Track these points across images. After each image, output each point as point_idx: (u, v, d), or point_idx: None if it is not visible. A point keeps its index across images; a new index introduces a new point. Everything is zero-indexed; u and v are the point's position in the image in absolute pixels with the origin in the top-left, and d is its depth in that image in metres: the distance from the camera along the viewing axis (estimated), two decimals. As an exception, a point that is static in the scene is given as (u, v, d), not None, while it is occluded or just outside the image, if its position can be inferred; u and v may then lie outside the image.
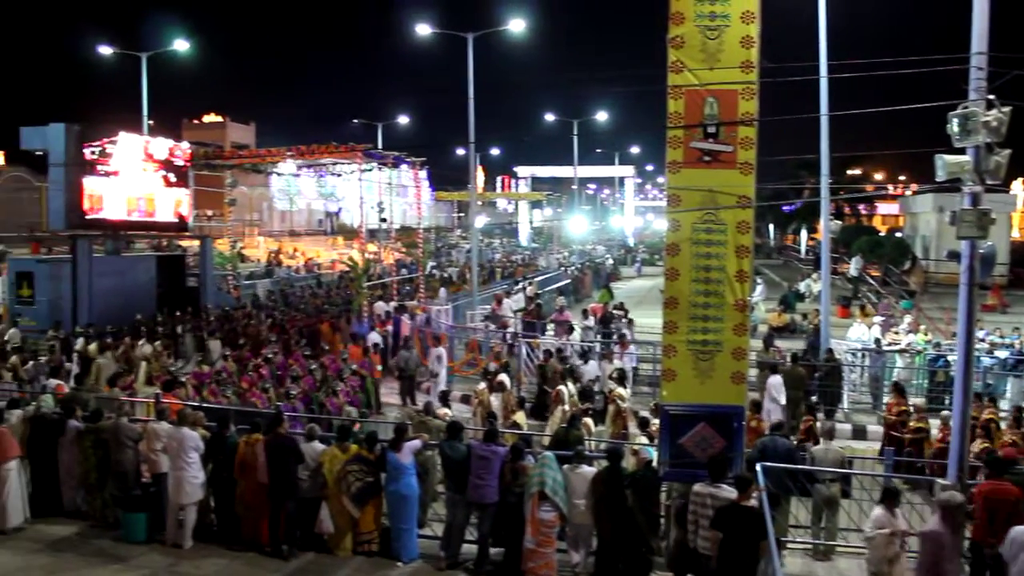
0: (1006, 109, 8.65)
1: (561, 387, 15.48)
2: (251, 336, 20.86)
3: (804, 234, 64.15)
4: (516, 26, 30.11)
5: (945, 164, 8.90)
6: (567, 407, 14.60)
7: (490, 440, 10.84)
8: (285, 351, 19.41)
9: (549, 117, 66.92)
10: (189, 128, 78.19)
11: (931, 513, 9.55)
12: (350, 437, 11.30)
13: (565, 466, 10.41)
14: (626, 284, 48.81)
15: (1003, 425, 13.92)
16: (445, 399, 15.35)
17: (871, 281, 37.75)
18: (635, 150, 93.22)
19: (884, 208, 71.52)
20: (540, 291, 33.49)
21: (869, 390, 19.63)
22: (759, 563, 8.57)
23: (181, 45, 37.33)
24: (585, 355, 19.46)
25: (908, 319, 24.37)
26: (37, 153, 26.35)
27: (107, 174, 23.74)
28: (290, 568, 10.79)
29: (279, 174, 38.76)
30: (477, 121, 28.19)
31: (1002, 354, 19.58)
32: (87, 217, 23.30)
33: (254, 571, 10.71)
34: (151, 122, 36.02)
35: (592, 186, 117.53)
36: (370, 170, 30.19)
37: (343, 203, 79.62)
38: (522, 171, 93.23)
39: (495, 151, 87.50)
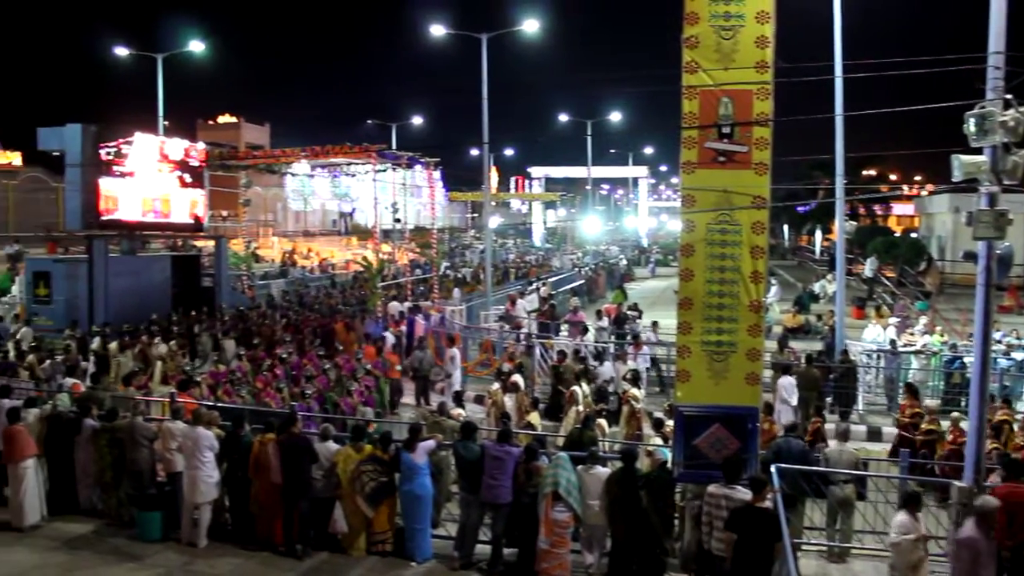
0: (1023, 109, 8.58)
1: (575, 387, 15.46)
2: (265, 336, 20.93)
3: (819, 235, 63.94)
4: (530, 27, 30.10)
5: (962, 164, 8.84)
6: (581, 407, 14.59)
7: (504, 441, 10.84)
8: (299, 351, 19.46)
9: (563, 118, 67.00)
10: (204, 129, 78.46)
11: (947, 517, 9.48)
12: (364, 437, 11.33)
13: (579, 467, 10.41)
14: (640, 285, 48.72)
15: (1015, 427, 13.83)
16: (459, 399, 15.36)
17: (886, 282, 37.58)
18: (649, 151, 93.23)
19: (899, 209, 71.12)
20: (554, 292, 33.48)
21: (884, 391, 19.53)
22: (774, 565, 8.54)
23: (196, 46, 37.55)
24: (600, 356, 19.41)
25: (924, 320, 24.24)
26: (54, 154, 26.47)
27: (123, 175, 23.86)
28: (304, 567, 10.82)
29: (293, 174, 38.90)
30: (491, 122, 28.20)
31: (1019, 356, 19.42)
32: (103, 218, 23.41)
33: (268, 570, 10.75)
34: (166, 123, 36.18)
35: (606, 187, 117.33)
36: (384, 170, 30.28)
37: (357, 203, 79.89)
38: (536, 172, 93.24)
39: (509, 152, 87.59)
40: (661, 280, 50.13)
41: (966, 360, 17.89)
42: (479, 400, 18.06)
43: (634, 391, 15.17)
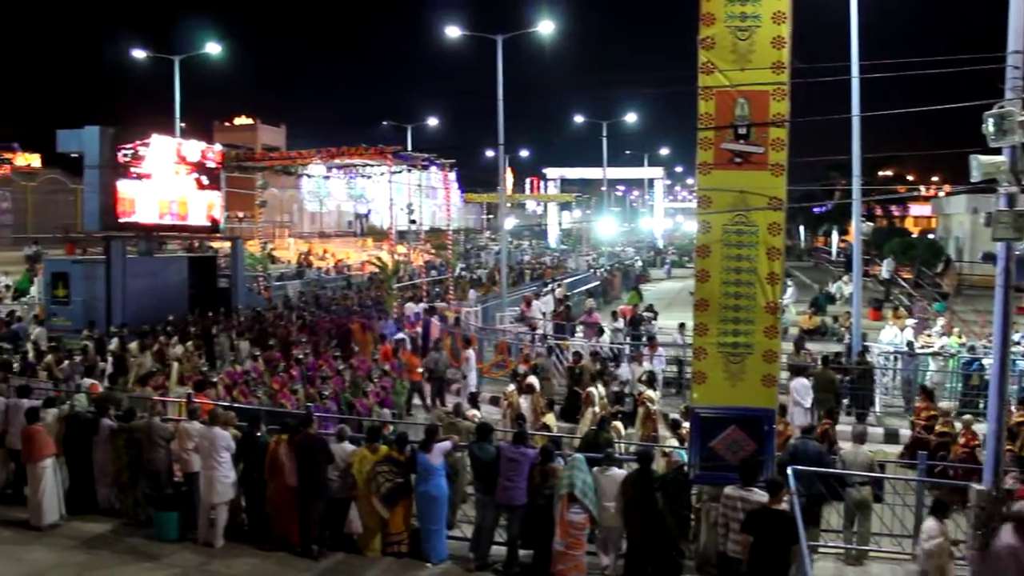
0: (1043, 108, 8.52)
1: (591, 389, 15.44)
2: (281, 337, 20.98)
3: (835, 236, 63.66)
4: (545, 28, 30.10)
5: (980, 165, 8.77)
6: (597, 409, 14.58)
7: (519, 443, 10.84)
8: (315, 352, 19.50)
9: (578, 119, 66.86)
10: (220, 130, 78.87)
11: (965, 521, 9.41)
12: (380, 438, 11.35)
13: (595, 468, 10.40)
14: (655, 286, 48.62)
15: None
16: (474, 401, 15.37)
17: (903, 283, 37.38)
18: (665, 152, 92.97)
19: (916, 209, 70.74)
20: (569, 293, 33.47)
21: (901, 393, 19.41)
22: (790, 567, 8.50)
23: (213, 48, 37.75)
24: (616, 357, 19.37)
25: (941, 322, 24.08)
26: (73, 156, 26.64)
27: (140, 176, 23.96)
28: (320, 568, 10.86)
29: (309, 176, 39.03)
30: (506, 123, 28.22)
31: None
32: (120, 220, 23.54)
33: (284, 570, 10.78)
34: (183, 124, 36.41)
35: (621, 188, 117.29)
36: (400, 172, 30.31)
37: (373, 205, 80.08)
38: (551, 173, 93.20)
39: (524, 153, 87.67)
40: (677, 281, 50.01)
41: (984, 362, 17.76)
42: (495, 401, 18.06)
43: (649, 393, 15.14)
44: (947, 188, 58.27)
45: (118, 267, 23.32)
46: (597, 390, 15.45)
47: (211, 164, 27.12)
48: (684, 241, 78.71)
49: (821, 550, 11.08)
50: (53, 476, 12.04)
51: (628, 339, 23.56)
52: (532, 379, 15.95)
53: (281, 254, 52.72)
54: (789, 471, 9.80)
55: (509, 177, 78.97)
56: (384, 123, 64.67)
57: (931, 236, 53.22)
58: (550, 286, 34.38)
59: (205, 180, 26.74)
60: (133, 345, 19.07)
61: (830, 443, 12.78)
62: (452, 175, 40.01)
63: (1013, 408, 13.97)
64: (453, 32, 31.10)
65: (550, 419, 14.34)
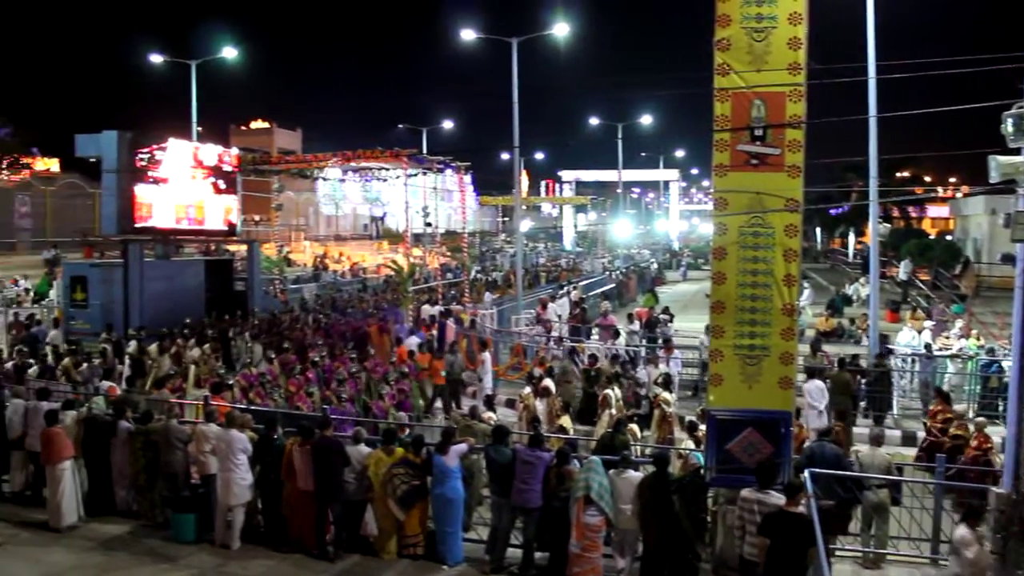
0: (1063, 109, 8.46)
1: (608, 391, 15.42)
2: (296, 340, 21.03)
3: (852, 237, 63.39)
4: (560, 30, 30.11)
5: (999, 165, 8.72)
6: (614, 411, 14.56)
7: (535, 446, 10.84)
8: (331, 355, 19.53)
9: (593, 121, 66.86)
10: (237, 134, 79.20)
11: (985, 525, 9.32)
12: (395, 440, 11.36)
13: (611, 471, 10.37)
14: (671, 288, 48.56)
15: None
16: (490, 403, 15.37)
17: (921, 285, 37.18)
18: (680, 154, 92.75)
19: (934, 211, 70.42)
20: (585, 295, 33.44)
21: (919, 396, 19.30)
22: (807, 571, 8.46)
23: (229, 52, 37.95)
24: (632, 360, 19.34)
25: (959, 323, 23.94)
26: (91, 160, 26.81)
27: (156, 181, 24.07)
28: (336, 570, 10.88)
29: (325, 179, 39.18)
30: (521, 125, 28.25)
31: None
32: (137, 225, 23.66)
33: (301, 572, 10.81)
34: (200, 128, 36.60)
35: (637, 190, 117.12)
36: (415, 175, 30.36)
37: (388, 208, 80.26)
38: (566, 175, 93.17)
39: (539, 155, 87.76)
40: (692, 283, 49.96)
41: (1003, 364, 17.64)
42: (510, 404, 18.06)
43: (665, 395, 15.11)
44: (965, 189, 57.97)
45: (135, 270, 23.43)
46: (613, 392, 15.44)
47: (228, 168, 27.22)
48: (700, 243, 78.62)
49: (838, 553, 11.02)
50: (72, 478, 12.12)
51: (644, 341, 23.53)
52: (548, 382, 15.94)
53: (297, 257, 52.94)
54: (806, 474, 9.75)
55: (524, 180, 79.08)
56: (399, 126, 65.11)
57: (949, 237, 53.00)
58: (566, 288, 34.36)
59: (222, 184, 26.83)
60: (152, 348, 19.18)
61: (841, 447, 12.69)
62: (467, 178, 40.08)
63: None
64: (468, 35, 31.17)
65: (566, 421, 14.33)
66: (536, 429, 12.33)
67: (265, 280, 33.71)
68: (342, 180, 42.40)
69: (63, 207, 50.38)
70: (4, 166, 49.33)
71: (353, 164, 31.28)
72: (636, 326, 25.23)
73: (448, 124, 64.88)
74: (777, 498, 8.97)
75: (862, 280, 36.08)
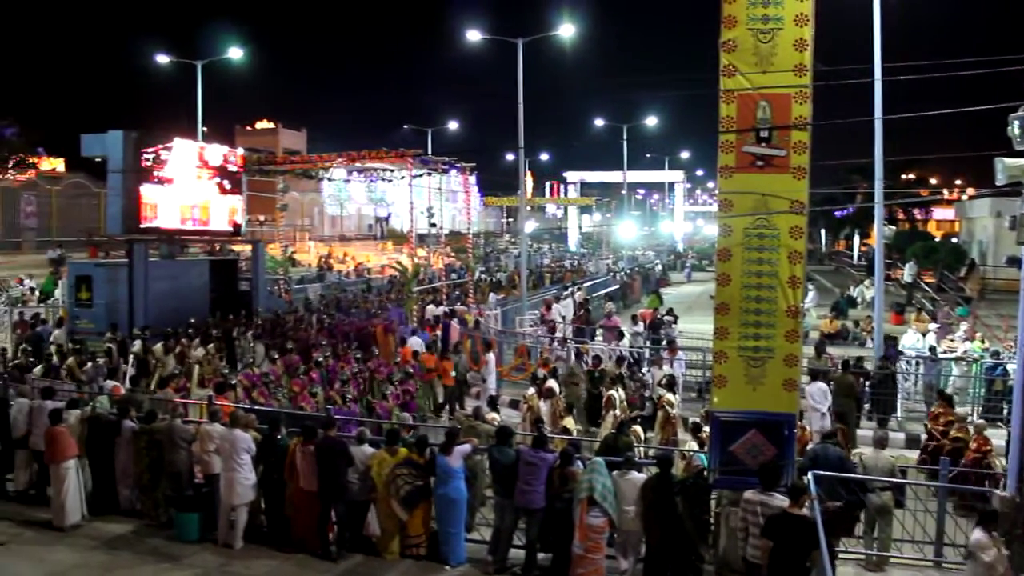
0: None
1: (612, 392, 15.41)
2: (300, 340, 21.04)
3: (857, 239, 63.30)
4: (566, 31, 30.12)
5: (1005, 167, 8.72)
6: (618, 412, 14.55)
7: (539, 446, 10.83)
8: (334, 355, 19.53)
9: (598, 122, 66.93)
10: (242, 134, 79.23)
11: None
12: (398, 441, 11.36)
13: (614, 472, 10.36)
14: (676, 290, 48.53)
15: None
16: (494, 404, 15.37)
17: (926, 287, 37.11)
18: (685, 155, 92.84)
19: (939, 213, 70.20)
20: (589, 296, 33.43)
21: (923, 398, 19.26)
22: (810, 573, 8.45)
23: (235, 53, 38.00)
24: (637, 362, 19.32)
25: (964, 326, 23.88)
26: (96, 160, 26.82)
27: (161, 181, 24.09)
28: (339, 570, 10.87)
29: (330, 179, 39.13)
30: (526, 126, 28.27)
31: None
32: (142, 226, 23.68)
33: (303, 572, 10.81)
34: (205, 128, 36.63)
35: (641, 191, 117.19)
36: (420, 175, 30.38)
37: (393, 208, 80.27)
38: (571, 176, 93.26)
39: (544, 156, 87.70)
40: (697, 285, 49.94)
41: (1008, 367, 17.60)
42: (514, 405, 18.05)
43: (669, 396, 15.10)
44: (971, 191, 57.83)
45: (140, 270, 23.45)
46: (618, 393, 15.43)
47: (233, 168, 27.24)
48: (704, 245, 78.60)
49: (841, 556, 11.00)
50: (75, 477, 12.14)
51: (648, 343, 23.51)
52: (551, 383, 15.93)
53: (302, 257, 52.95)
54: (810, 476, 9.73)
55: (529, 180, 79.04)
56: (404, 127, 65.15)
57: (954, 240, 52.87)
58: (570, 290, 34.38)
59: (227, 184, 26.83)
60: (158, 347, 19.21)
61: (842, 449, 12.67)
62: (472, 178, 40.01)
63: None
64: (474, 36, 31.17)
65: (569, 422, 14.33)
66: (540, 430, 12.31)
67: (269, 280, 33.71)
68: (347, 180, 42.32)
69: (68, 206, 50.42)
70: (10, 165, 49.35)
71: (358, 164, 31.33)
72: (640, 327, 25.22)
73: (453, 125, 65.05)
74: (780, 500, 8.95)
75: (867, 282, 36.02)
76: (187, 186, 25.14)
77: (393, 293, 33.10)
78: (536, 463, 10.56)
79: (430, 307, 27.27)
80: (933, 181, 68.27)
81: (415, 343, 20.47)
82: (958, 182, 76.89)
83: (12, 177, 49.56)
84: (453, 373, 19.06)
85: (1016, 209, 8.89)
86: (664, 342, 22.52)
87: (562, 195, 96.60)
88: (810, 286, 32.86)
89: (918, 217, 59.22)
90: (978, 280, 38.59)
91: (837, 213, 60.22)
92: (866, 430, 16.32)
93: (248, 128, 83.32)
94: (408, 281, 28.31)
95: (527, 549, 10.77)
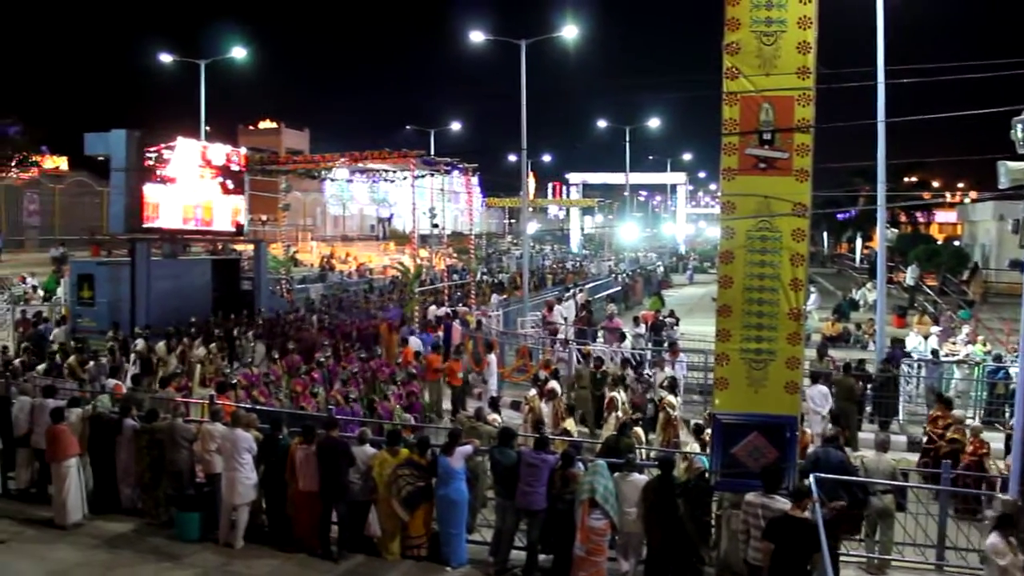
0: (1072, 115, 8.44)
1: (614, 394, 15.41)
2: (302, 341, 21.05)
3: (859, 242, 63.22)
4: (569, 33, 30.10)
5: (1008, 171, 8.71)
6: (620, 414, 14.54)
7: (540, 448, 10.83)
8: (336, 355, 19.54)
9: (601, 123, 66.89)
10: (244, 134, 79.21)
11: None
12: (400, 441, 11.36)
13: (616, 474, 10.36)
14: (677, 291, 48.50)
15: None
16: (495, 405, 15.36)
17: (928, 290, 37.09)
18: (687, 157, 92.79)
19: (942, 216, 70.07)
20: (591, 298, 33.41)
21: (925, 401, 19.23)
22: (812, 576, 8.44)
23: (238, 52, 38.04)
24: (639, 363, 19.31)
25: (966, 329, 23.86)
26: (99, 159, 26.86)
27: (164, 180, 24.10)
28: (340, 570, 10.89)
29: (332, 179, 39.22)
30: (529, 127, 28.24)
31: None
32: (144, 225, 23.70)
33: (304, 572, 10.82)
34: (208, 128, 36.66)
35: (644, 193, 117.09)
36: (423, 176, 30.38)
37: (395, 209, 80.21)
38: (573, 177, 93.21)
39: (547, 157, 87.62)
40: (699, 287, 49.93)
41: (1010, 371, 17.58)
42: (515, 406, 18.04)
43: (670, 398, 15.09)
44: (973, 194, 57.73)
45: (142, 269, 23.47)
46: (620, 395, 15.42)
47: (235, 167, 27.25)
48: (706, 247, 78.50)
49: (843, 559, 10.98)
50: (77, 476, 12.16)
51: (650, 345, 23.51)
52: (553, 384, 15.93)
53: (304, 257, 52.92)
54: (811, 478, 9.73)
55: (531, 182, 79.02)
56: (407, 127, 65.13)
57: (957, 243, 52.81)
58: (572, 291, 34.35)
59: (230, 184, 26.84)
60: (160, 346, 19.22)
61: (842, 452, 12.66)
62: (474, 179, 40.01)
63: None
64: (477, 36, 31.15)
65: (570, 424, 14.32)
66: (541, 431, 12.31)
67: (272, 280, 33.72)
68: (349, 181, 42.42)
69: (71, 205, 50.43)
70: (13, 164, 49.40)
71: (360, 165, 31.32)
72: (642, 329, 25.22)
73: (456, 126, 64.96)
74: (782, 502, 8.94)
75: (869, 285, 36.01)
76: (190, 185, 25.14)
77: (395, 294, 33.11)
78: (538, 464, 10.56)
79: (432, 308, 27.27)
80: (936, 184, 68.19)
81: (416, 344, 20.49)
82: (961, 185, 76.69)
83: (15, 175, 49.57)
84: (460, 374, 19.08)
85: (1019, 212, 8.94)
86: (666, 344, 22.50)
87: (564, 196, 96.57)
88: (812, 289, 32.86)
89: (920, 220, 59.19)
90: (980, 283, 38.57)
91: (839, 216, 60.09)
92: (868, 433, 16.31)
93: (251, 128, 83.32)
94: (410, 282, 28.33)
95: (528, 550, 10.77)
